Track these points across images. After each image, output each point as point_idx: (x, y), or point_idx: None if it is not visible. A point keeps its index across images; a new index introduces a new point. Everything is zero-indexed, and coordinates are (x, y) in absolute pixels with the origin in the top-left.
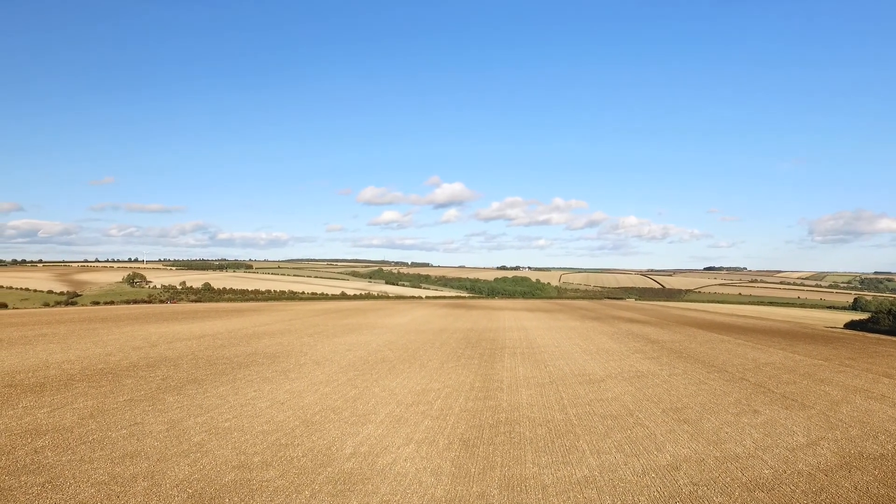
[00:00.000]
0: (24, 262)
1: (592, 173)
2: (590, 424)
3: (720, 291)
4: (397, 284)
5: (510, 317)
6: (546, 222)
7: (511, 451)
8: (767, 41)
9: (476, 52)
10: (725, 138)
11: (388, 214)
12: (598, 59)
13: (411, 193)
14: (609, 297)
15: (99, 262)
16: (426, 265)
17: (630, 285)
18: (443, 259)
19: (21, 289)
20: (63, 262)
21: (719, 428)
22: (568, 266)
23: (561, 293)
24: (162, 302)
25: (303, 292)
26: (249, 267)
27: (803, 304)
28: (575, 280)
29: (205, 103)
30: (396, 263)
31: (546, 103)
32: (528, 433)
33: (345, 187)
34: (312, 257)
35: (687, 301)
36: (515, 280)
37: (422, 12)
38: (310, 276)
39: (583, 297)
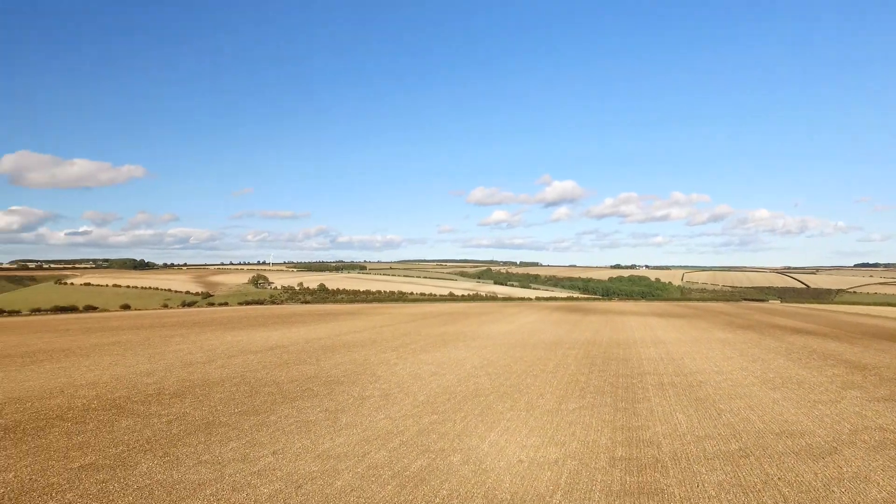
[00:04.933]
0: (172, 265)
1: (715, 164)
2: None
3: (882, 291)
4: (506, 285)
5: (638, 324)
6: (664, 218)
7: None
8: None
9: (587, 47)
10: (878, 112)
11: (498, 214)
12: (716, 43)
13: (521, 193)
14: (745, 299)
15: (233, 264)
16: (535, 265)
17: (766, 284)
18: (552, 258)
19: (165, 290)
20: (204, 265)
21: None
22: (690, 264)
23: (685, 294)
24: (274, 303)
25: (411, 293)
26: (363, 268)
27: None
28: (700, 279)
29: (329, 113)
30: (505, 263)
31: (662, 94)
32: None
33: (456, 188)
34: (423, 258)
35: (842, 303)
36: (632, 279)
37: (529, 8)
38: (419, 277)
39: (713, 299)
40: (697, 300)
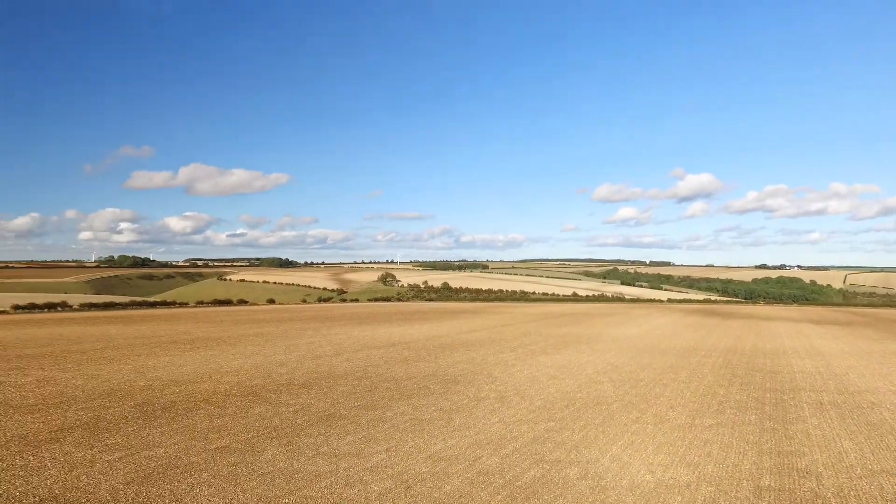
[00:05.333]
0: (311, 263)
1: (885, 149)
2: None
3: None
4: (633, 285)
5: (788, 331)
6: (820, 212)
7: None
8: None
9: (720, 26)
10: None
11: (625, 211)
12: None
13: (651, 188)
14: None
15: (364, 263)
16: (667, 264)
17: None
18: (686, 258)
19: (305, 286)
20: (339, 263)
21: None
22: (854, 264)
23: (848, 298)
24: (400, 300)
25: (533, 292)
26: (485, 267)
27: None
28: (867, 282)
29: (452, 115)
30: (633, 263)
31: (812, 70)
32: None
33: (581, 186)
34: (546, 257)
35: None
36: (781, 281)
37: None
38: (541, 276)
39: (885, 305)
40: (864, 306)
